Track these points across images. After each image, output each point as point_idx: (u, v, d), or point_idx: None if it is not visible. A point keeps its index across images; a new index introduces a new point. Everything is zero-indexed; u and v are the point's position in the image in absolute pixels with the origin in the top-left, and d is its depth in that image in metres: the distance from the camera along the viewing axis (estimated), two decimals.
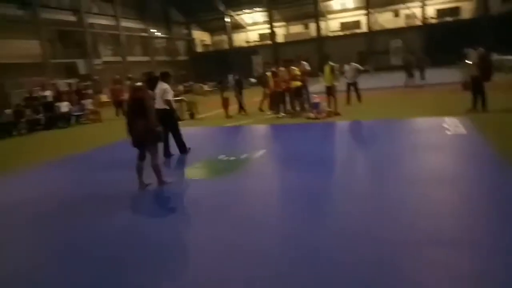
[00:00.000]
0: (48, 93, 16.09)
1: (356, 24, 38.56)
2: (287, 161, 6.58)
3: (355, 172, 5.65)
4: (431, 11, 34.61)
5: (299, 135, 8.91)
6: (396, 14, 36.95)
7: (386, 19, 36.33)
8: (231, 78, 21.04)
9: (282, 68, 11.77)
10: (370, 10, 35.37)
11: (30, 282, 3.19)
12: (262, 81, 13.84)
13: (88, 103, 16.72)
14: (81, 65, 26.70)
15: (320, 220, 3.87)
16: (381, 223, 3.64)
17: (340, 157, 6.79)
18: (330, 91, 11.16)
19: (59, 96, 16.54)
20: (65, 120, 15.45)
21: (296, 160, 6.40)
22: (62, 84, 20.36)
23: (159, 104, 6.59)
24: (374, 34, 35.03)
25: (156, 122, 5.24)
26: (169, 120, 6.87)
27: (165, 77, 7.21)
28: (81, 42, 27.21)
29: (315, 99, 11.73)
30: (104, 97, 24.46)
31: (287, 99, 11.95)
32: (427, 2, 34.02)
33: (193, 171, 6.33)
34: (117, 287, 2.99)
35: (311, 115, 10.87)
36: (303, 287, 2.72)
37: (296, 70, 11.46)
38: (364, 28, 36.61)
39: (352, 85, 12.48)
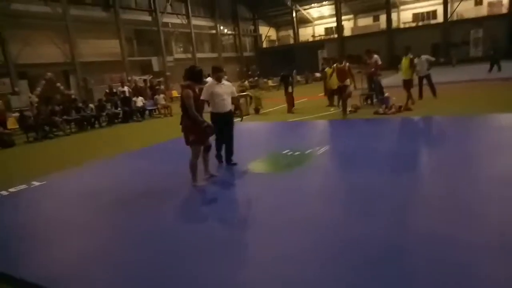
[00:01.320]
0: (125, 88, 17.33)
1: (431, 14, 36.25)
2: (351, 158, 6.39)
3: (423, 172, 5.32)
4: None
5: (364, 131, 8.63)
6: (478, 2, 34.07)
7: (466, 8, 33.63)
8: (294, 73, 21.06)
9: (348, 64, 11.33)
10: None
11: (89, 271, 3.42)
12: (323, 77, 13.66)
13: (160, 98, 17.72)
14: (155, 62, 28.42)
15: (384, 221, 3.69)
16: (454, 226, 3.40)
17: (407, 156, 6.39)
18: (406, 85, 10.67)
19: (135, 92, 17.77)
20: (140, 114, 16.59)
21: (360, 157, 6.21)
22: (138, 80, 21.80)
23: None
24: (451, 25, 32.58)
25: (192, 121, 4.88)
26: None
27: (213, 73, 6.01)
28: (155, 40, 28.91)
29: (386, 93, 11.28)
30: (175, 93, 25.81)
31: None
32: None
33: (258, 165, 6.43)
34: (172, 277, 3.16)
35: (380, 110, 10.47)
36: None
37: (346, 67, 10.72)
38: (440, 19, 34.22)
39: (425, 78, 11.78)
